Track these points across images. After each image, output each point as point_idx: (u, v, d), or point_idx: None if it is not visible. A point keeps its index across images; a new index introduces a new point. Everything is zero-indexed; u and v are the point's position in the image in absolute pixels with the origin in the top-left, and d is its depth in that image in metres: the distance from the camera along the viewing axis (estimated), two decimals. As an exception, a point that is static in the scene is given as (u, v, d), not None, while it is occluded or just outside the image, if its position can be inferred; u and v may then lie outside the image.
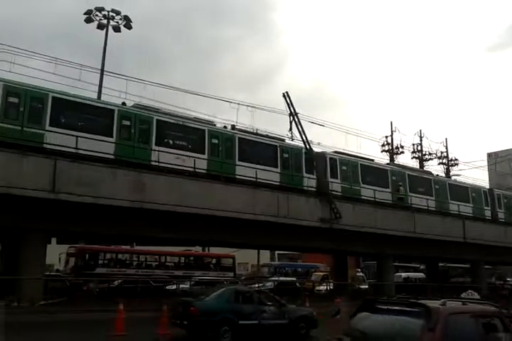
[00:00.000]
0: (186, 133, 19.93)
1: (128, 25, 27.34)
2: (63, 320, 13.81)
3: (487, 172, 42.99)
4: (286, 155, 22.48)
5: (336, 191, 23.35)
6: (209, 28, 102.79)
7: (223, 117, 22.50)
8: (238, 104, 22.10)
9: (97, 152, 16.80)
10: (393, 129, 36.28)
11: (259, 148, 22.01)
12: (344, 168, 24.00)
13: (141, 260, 29.15)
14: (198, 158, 19.36)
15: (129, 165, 17.35)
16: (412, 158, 36.77)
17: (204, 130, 20.13)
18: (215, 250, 35.92)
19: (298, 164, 22.65)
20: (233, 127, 21.77)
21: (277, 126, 41.53)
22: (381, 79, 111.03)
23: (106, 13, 26.85)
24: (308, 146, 22.61)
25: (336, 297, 14.89)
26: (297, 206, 21.16)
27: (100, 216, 17.10)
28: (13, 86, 16.11)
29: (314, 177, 22.85)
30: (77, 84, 19.44)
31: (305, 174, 22.71)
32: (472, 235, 27.77)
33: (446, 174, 37.31)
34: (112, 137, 17.65)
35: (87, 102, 17.88)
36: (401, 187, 26.51)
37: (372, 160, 27.31)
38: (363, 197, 24.55)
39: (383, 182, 25.94)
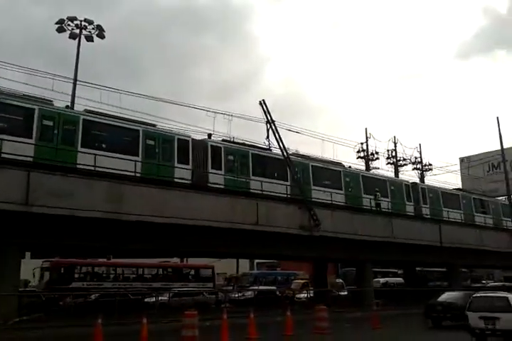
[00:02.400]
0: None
1: (101, 35, 27.08)
2: (39, 336, 13.40)
3: (459, 176, 43.78)
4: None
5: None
6: (185, 38, 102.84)
7: (202, 126, 22.28)
8: (215, 112, 22.03)
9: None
10: (368, 136, 36.79)
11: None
12: (231, 157, 21.62)
13: (119, 273, 28.66)
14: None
15: (104, 176, 17.04)
16: (387, 164, 37.30)
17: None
18: (193, 261, 35.59)
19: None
20: (209, 136, 21.67)
21: (254, 135, 41.60)
22: (356, 87, 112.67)
23: (78, 22, 26.55)
24: (286, 154, 22.64)
25: (317, 304, 14.82)
26: (277, 214, 21.10)
27: (76, 228, 16.72)
28: None
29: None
30: (51, 95, 19.03)
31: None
32: (448, 239, 28.13)
33: (420, 179, 37.89)
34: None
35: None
36: (378, 193, 26.76)
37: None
38: (340, 204, 24.69)
39: (282, 175, 23.15)
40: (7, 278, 15.69)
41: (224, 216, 19.14)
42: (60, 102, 19.12)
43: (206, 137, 21.53)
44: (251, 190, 21.31)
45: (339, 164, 27.07)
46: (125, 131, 18.82)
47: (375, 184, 27.66)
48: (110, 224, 16.91)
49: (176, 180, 19.05)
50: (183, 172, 19.31)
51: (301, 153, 25.31)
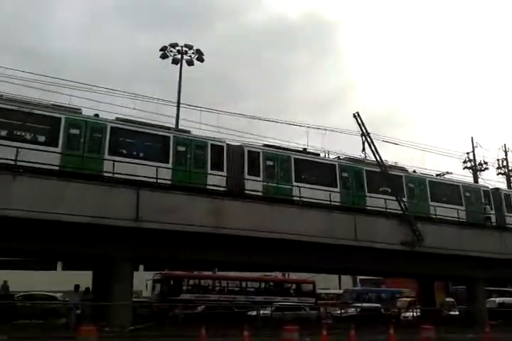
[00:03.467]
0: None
1: (200, 58, 28.78)
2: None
3: None
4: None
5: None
6: (278, 55, 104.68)
7: (297, 141, 22.66)
8: (308, 127, 22.34)
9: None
10: (475, 145, 34.80)
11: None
12: (270, 163, 20.59)
13: (223, 285, 29.56)
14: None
15: (204, 192, 17.94)
16: (497, 174, 34.93)
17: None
18: (294, 275, 35.71)
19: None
20: (304, 150, 22.01)
21: (349, 148, 41.11)
22: (457, 95, 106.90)
23: (180, 48, 28.44)
24: (382, 166, 22.21)
25: (424, 324, 14.22)
26: (376, 228, 20.68)
27: (182, 242, 17.70)
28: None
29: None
30: (156, 117, 20.55)
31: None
32: None
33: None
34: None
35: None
36: (487, 206, 25.11)
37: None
38: (446, 218, 23.50)
39: (330, 181, 21.80)
40: (122, 289, 16.99)
41: (322, 231, 19.19)
42: (164, 124, 20.47)
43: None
44: (294, 198, 20.15)
45: (403, 169, 24.92)
46: (155, 138, 18.77)
47: (444, 190, 25.05)
48: (212, 238, 17.70)
49: (208, 186, 18.64)
50: (216, 179, 18.83)
51: (399, 165, 24.58)
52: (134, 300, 20.71)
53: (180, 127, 22.94)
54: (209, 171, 18.87)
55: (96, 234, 16.08)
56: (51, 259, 34.96)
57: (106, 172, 16.85)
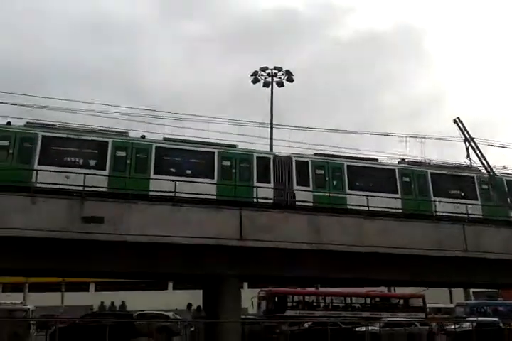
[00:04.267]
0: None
1: (290, 79, 29.44)
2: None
3: None
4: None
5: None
6: (368, 66, 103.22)
7: (394, 151, 22.16)
8: (406, 136, 21.86)
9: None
10: None
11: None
12: (320, 172, 20.18)
13: (328, 302, 29.39)
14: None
15: (301, 209, 18.13)
16: None
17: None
18: (401, 290, 34.52)
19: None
20: (402, 161, 21.48)
21: (451, 155, 39.23)
22: None
23: (269, 71, 29.33)
24: (491, 171, 21.07)
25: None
26: (487, 238, 19.55)
27: (283, 259, 17.96)
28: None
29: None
30: (254, 140, 21.27)
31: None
32: None
33: None
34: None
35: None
36: None
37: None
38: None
39: (390, 188, 20.96)
40: (231, 306, 17.55)
41: (428, 243, 18.51)
42: (259, 146, 21.13)
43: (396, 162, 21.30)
44: (349, 207, 19.58)
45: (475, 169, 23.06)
46: (200, 154, 19.17)
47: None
48: (311, 254, 17.77)
49: (254, 199, 18.62)
50: (263, 192, 18.75)
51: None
52: (241, 317, 21.26)
53: (274, 147, 23.52)
54: (255, 184, 18.92)
55: (203, 253, 16.85)
56: (163, 280, 36.82)
57: (151, 190, 17.45)
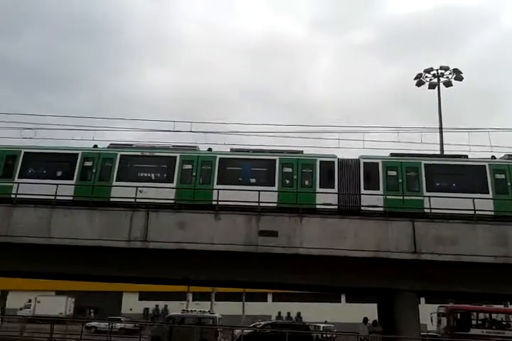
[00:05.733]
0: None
1: (459, 77, 27.64)
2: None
3: None
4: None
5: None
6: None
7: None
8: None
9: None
10: None
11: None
12: (392, 173, 18.36)
13: (518, 320, 26.45)
14: None
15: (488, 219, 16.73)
16: None
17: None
18: None
19: None
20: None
21: None
22: None
23: (435, 72, 27.93)
24: None
25: None
26: None
27: (464, 274, 16.75)
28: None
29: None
30: (420, 147, 20.41)
31: None
32: None
33: None
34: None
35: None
36: None
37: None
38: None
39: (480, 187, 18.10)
40: (409, 322, 16.84)
41: None
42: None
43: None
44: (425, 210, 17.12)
45: None
46: (261, 162, 18.91)
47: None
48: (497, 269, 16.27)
49: (317, 206, 17.62)
50: (326, 197, 17.76)
51: None
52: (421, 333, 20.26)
53: (445, 152, 22.20)
54: (318, 190, 18.13)
55: (375, 266, 16.55)
56: (336, 292, 36.94)
57: (214, 200, 17.34)
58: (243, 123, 21.47)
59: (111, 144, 19.92)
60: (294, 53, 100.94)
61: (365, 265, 16.41)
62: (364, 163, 18.67)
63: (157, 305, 45.13)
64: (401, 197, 17.92)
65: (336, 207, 17.79)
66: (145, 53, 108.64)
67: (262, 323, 26.75)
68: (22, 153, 19.27)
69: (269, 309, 43.39)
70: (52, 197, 16.71)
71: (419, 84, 28.30)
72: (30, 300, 38.96)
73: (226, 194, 17.03)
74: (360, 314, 23.18)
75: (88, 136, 21.04)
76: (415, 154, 19.57)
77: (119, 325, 30.54)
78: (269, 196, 17.20)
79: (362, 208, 17.67)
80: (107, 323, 29.19)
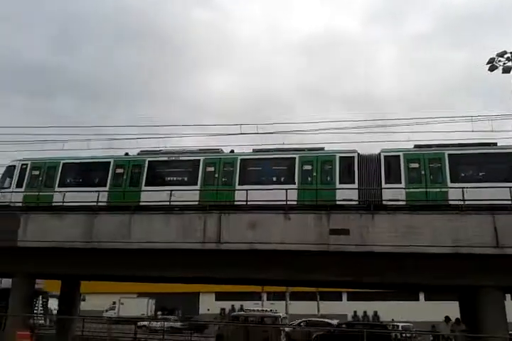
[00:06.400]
0: None
1: (537, 59, 25.99)
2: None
3: None
4: None
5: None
6: None
7: None
8: None
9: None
10: None
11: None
12: (414, 165, 17.87)
13: None
14: None
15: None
16: None
17: None
18: None
19: None
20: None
21: None
22: None
23: (509, 55, 26.52)
24: None
25: None
26: None
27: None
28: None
29: None
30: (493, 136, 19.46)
31: None
32: None
33: None
34: None
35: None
36: None
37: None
38: None
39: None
40: (494, 320, 16.01)
41: None
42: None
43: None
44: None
45: None
46: (280, 162, 19.17)
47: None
48: None
49: (337, 202, 17.36)
50: (346, 193, 17.54)
51: None
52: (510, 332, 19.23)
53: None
54: (338, 185, 18.05)
55: (455, 263, 15.90)
56: (414, 290, 35.98)
57: (237, 201, 17.96)
58: (307, 122, 21.26)
59: (141, 151, 20.95)
60: (354, 48, 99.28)
61: (443, 261, 15.81)
62: (385, 156, 18.43)
63: (233, 305, 45.90)
64: (423, 190, 17.44)
65: (357, 202, 17.65)
66: (208, 60, 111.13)
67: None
68: (61, 164, 20.81)
69: (345, 308, 42.89)
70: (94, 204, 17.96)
71: (492, 69, 26.92)
72: (114, 302, 40.84)
73: (253, 194, 17.52)
74: (439, 312, 22.44)
75: (156, 144, 22.25)
76: (441, 144, 18.95)
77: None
78: (290, 194, 17.30)
79: (383, 202, 17.41)
80: (183, 323, 30.43)
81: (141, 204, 18.59)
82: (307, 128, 21.09)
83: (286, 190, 17.06)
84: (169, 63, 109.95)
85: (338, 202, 17.51)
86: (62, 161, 20.96)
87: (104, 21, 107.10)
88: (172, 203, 17.69)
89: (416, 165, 18.06)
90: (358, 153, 18.75)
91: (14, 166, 21.27)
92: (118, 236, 16.96)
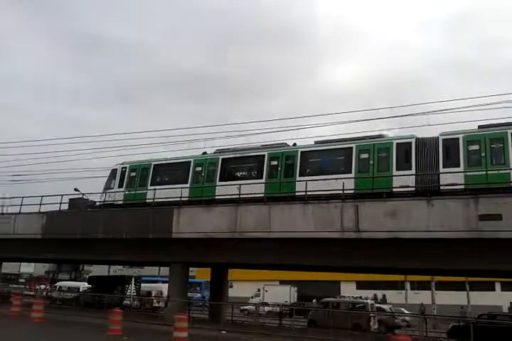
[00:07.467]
0: None
1: None
2: None
3: None
4: None
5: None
6: None
7: None
8: None
9: None
10: None
11: None
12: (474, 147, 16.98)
13: None
14: None
15: None
16: None
17: None
18: None
19: None
20: None
21: None
22: None
23: None
24: None
25: None
26: None
27: None
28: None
29: None
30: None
31: None
32: None
33: None
34: None
35: None
36: None
37: None
38: None
39: None
40: None
41: None
42: None
43: None
44: None
45: None
46: (337, 152, 19.61)
47: None
48: None
49: (394, 189, 17.23)
50: (403, 180, 17.27)
51: None
52: None
53: None
54: (394, 172, 17.81)
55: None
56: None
57: (297, 192, 18.67)
58: (444, 101, 19.64)
59: (217, 150, 22.67)
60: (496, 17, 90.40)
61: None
62: (443, 139, 17.70)
63: (375, 294, 45.08)
64: (484, 172, 16.18)
65: (414, 188, 17.21)
66: (333, 51, 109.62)
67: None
68: (152, 165, 23.42)
69: (498, 299, 39.71)
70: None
71: None
72: (259, 290, 42.52)
73: (309, 184, 18.04)
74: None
75: (288, 136, 23.39)
76: (507, 123, 17.10)
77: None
78: (347, 183, 17.62)
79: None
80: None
81: (279, 195, 19.42)
82: (446, 106, 19.61)
83: (343, 180, 17.68)
84: (300, 59, 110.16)
85: (394, 190, 17.41)
86: (153, 163, 23.55)
87: (246, 21, 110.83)
88: (242, 196, 19.18)
89: (476, 147, 17.11)
90: (417, 138, 18.36)
91: (116, 169, 24.14)
92: (259, 226, 17.78)
